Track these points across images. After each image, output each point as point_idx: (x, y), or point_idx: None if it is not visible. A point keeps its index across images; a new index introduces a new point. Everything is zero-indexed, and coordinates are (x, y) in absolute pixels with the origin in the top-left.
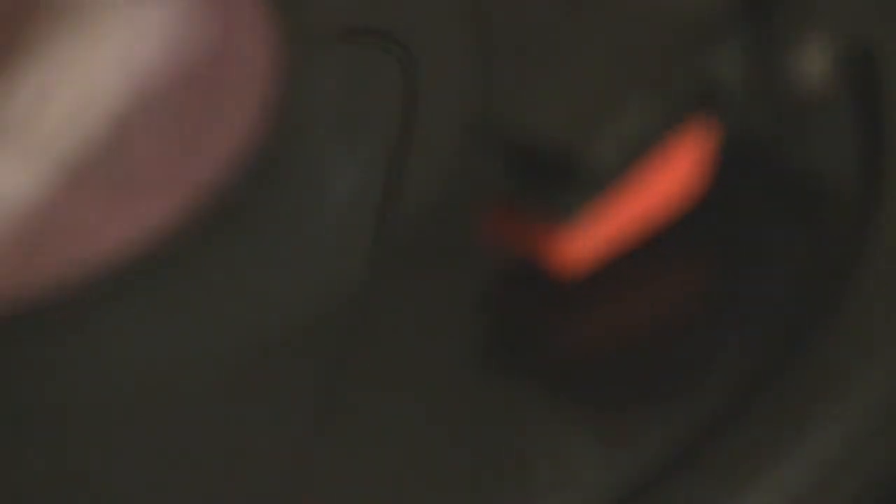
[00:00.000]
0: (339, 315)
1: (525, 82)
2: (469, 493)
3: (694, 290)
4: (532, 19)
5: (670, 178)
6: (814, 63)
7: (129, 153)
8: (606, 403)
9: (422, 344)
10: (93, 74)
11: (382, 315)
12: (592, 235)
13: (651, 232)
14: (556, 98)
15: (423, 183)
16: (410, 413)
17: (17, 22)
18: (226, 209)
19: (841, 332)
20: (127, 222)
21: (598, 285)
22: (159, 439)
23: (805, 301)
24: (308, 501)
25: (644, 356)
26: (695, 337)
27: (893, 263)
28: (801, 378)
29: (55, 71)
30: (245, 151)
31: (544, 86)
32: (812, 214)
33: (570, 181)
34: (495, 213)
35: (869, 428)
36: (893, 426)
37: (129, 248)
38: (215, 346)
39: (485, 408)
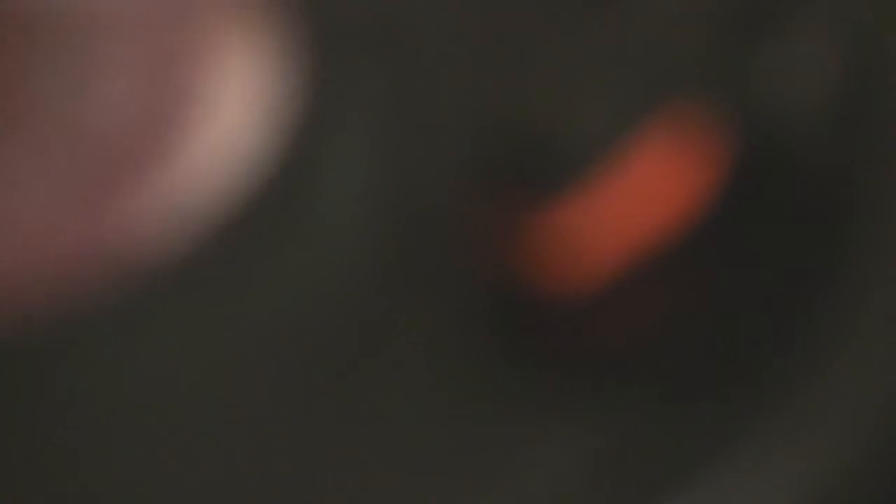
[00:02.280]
0: (342, 316)
1: (528, 80)
2: (468, 493)
3: (695, 291)
4: (538, 16)
5: (675, 182)
6: (818, 61)
7: (125, 160)
8: (608, 405)
9: (424, 345)
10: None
11: (385, 317)
12: (595, 237)
13: (657, 235)
14: (557, 96)
15: (427, 183)
16: (414, 413)
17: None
18: (227, 214)
19: (844, 333)
20: (125, 229)
21: (601, 286)
22: (161, 444)
23: (809, 303)
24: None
25: (644, 360)
26: (696, 340)
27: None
28: (802, 381)
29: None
30: (245, 154)
31: (548, 84)
32: (816, 214)
33: (559, 158)
34: (497, 214)
35: (870, 435)
36: (894, 431)
37: (129, 254)
38: (217, 350)
39: (486, 409)
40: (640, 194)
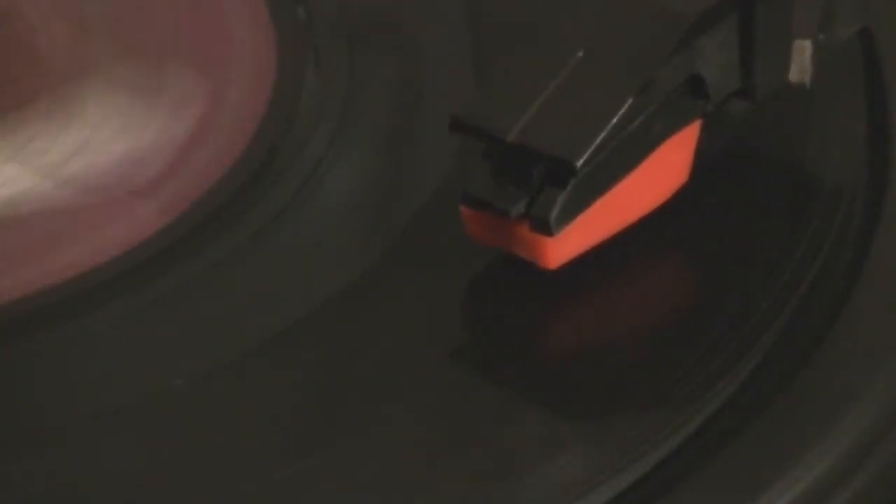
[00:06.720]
0: (335, 312)
1: (515, 80)
2: (463, 491)
3: (689, 288)
4: (525, 18)
5: (656, 172)
6: (801, 55)
7: (127, 152)
8: (598, 401)
9: (416, 341)
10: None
11: (378, 312)
12: (576, 229)
13: (638, 225)
14: (546, 95)
15: (420, 180)
16: (405, 410)
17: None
18: (225, 207)
19: (846, 331)
20: (124, 222)
21: (588, 282)
22: (156, 439)
23: (807, 297)
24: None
25: (638, 354)
26: (693, 337)
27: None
28: (804, 380)
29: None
30: (245, 149)
31: (533, 83)
32: (805, 209)
33: (554, 180)
34: (479, 211)
35: (873, 434)
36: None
37: (127, 248)
38: (216, 343)
39: (478, 404)
40: (623, 188)
